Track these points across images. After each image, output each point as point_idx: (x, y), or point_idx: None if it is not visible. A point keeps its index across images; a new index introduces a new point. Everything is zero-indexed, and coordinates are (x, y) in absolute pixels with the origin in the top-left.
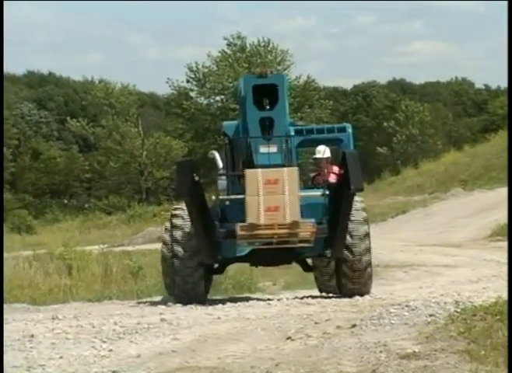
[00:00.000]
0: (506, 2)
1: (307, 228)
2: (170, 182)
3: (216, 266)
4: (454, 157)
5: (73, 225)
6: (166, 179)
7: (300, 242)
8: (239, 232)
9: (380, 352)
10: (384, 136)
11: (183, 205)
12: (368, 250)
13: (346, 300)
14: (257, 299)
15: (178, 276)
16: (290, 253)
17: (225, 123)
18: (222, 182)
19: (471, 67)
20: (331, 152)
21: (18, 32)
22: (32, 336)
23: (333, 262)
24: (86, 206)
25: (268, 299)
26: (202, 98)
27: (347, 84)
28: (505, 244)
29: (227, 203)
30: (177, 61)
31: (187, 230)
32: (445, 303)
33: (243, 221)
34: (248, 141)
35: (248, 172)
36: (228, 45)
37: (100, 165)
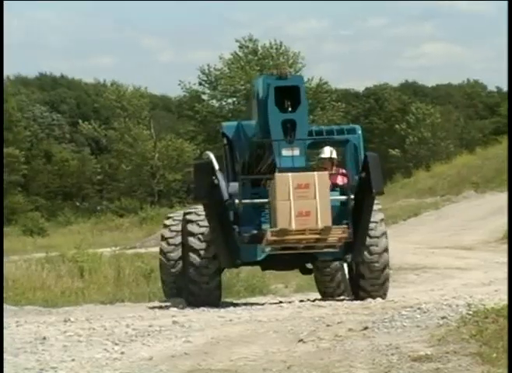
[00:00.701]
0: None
1: (339, 234)
2: (182, 184)
3: None
4: (465, 159)
5: (85, 228)
6: (178, 182)
7: (327, 246)
8: (269, 238)
9: (392, 354)
10: (396, 138)
11: (197, 209)
12: (386, 250)
13: (358, 302)
14: (270, 302)
15: (194, 285)
16: (308, 257)
17: (224, 123)
18: (234, 185)
19: (483, 70)
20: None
21: (31, 34)
22: (44, 338)
23: (334, 263)
24: (98, 208)
25: (280, 302)
26: (214, 100)
27: (359, 86)
28: None
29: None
30: (189, 63)
31: (203, 237)
32: (457, 305)
33: (260, 224)
34: (271, 143)
35: (278, 176)
36: (240, 47)
37: (112, 167)
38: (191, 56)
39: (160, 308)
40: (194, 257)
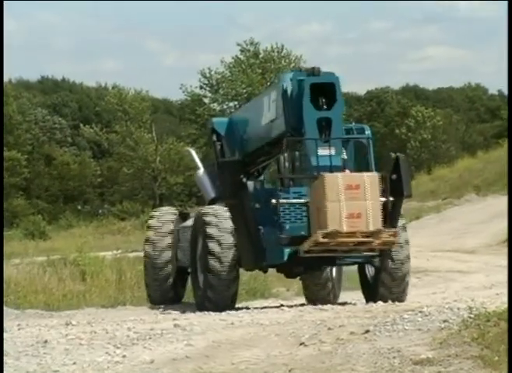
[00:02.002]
0: None
1: (390, 237)
2: (184, 187)
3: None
4: (467, 163)
5: (87, 231)
6: (180, 185)
7: (369, 250)
8: (320, 239)
9: (394, 358)
10: (397, 142)
11: (215, 210)
12: (408, 258)
13: (360, 306)
14: (271, 305)
15: (213, 290)
16: (328, 260)
17: (214, 119)
18: (250, 184)
19: (485, 73)
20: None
21: (33, 37)
22: (45, 341)
23: (326, 272)
24: (100, 212)
25: (282, 305)
26: (216, 104)
27: (362, 90)
28: None
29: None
30: (192, 67)
31: (225, 241)
32: (458, 309)
33: (294, 225)
34: (305, 142)
35: (327, 176)
36: (241, 51)
37: (113, 170)
38: (195, 59)
39: (161, 311)
40: (213, 263)
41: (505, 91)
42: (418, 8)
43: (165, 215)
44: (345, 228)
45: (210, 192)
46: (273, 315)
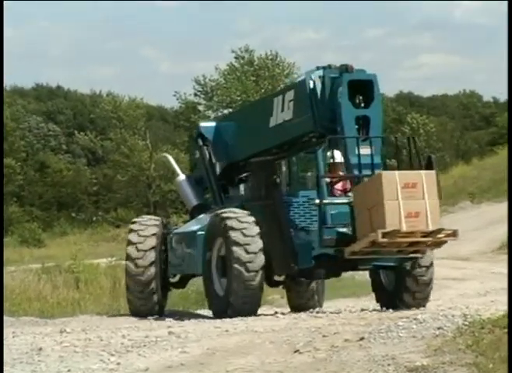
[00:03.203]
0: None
1: (447, 236)
2: (178, 195)
3: (176, 279)
4: (462, 170)
5: (81, 238)
6: (174, 192)
7: (419, 251)
8: (380, 239)
9: (389, 365)
10: (392, 149)
11: (237, 214)
12: (432, 263)
13: (354, 313)
14: (266, 312)
15: (237, 297)
16: (351, 264)
17: (202, 124)
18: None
19: (480, 81)
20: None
21: (28, 44)
22: (40, 349)
23: (312, 284)
24: (94, 219)
25: (276, 312)
26: (210, 111)
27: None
28: None
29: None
30: (187, 74)
31: (251, 247)
32: (453, 316)
33: (337, 226)
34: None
35: (384, 174)
36: (236, 58)
37: (107, 178)
38: (190, 67)
39: (156, 318)
40: (240, 270)
41: (499, 98)
42: (413, 16)
43: (148, 220)
44: (404, 228)
45: (192, 199)
46: (268, 323)
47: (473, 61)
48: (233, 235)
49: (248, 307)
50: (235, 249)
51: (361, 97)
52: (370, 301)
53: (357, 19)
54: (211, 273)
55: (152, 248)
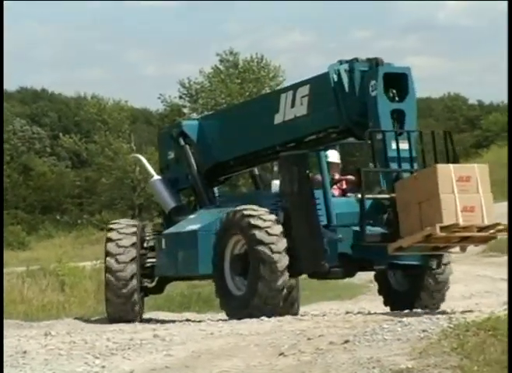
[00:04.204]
0: (500, 18)
1: (500, 231)
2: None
3: (153, 284)
4: None
5: (66, 241)
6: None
7: (461, 246)
8: (439, 233)
9: (374, 368)
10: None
11: (259, 213)
12: (449, 261)
13: (339, 316)
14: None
15: (262, 299)
16: (370, 264)
17: (185, 122)
18: (276, 183)
19: (465, 83)
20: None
21: (13, 47)
22: (25, 352)
23: (293, 293)
24: (79, 222)
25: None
26: (195, 114)
27: None
28: (498, 259)
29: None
30: (172, 77)
31: (276, 246)
32: (438, 319)
33: (378, 221)
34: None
35: (440, 167)
36: (221, 61)
37: (91, 181)
38: (175, 69)
39: (141, 321)
40: (265, 270)
41: (485, 100)
42: (399, 18)
43: (126, 227)
44: (461, 222)
45: (170, 201)
46: (253, 326)
47: (458, 63)
48: (258, 233)
49: (270, 308)
50: (260, 248)
51: (394, 91)
52: (355, 304)
53: (343, 22)
54: (223, 273)
55: (133, 259)
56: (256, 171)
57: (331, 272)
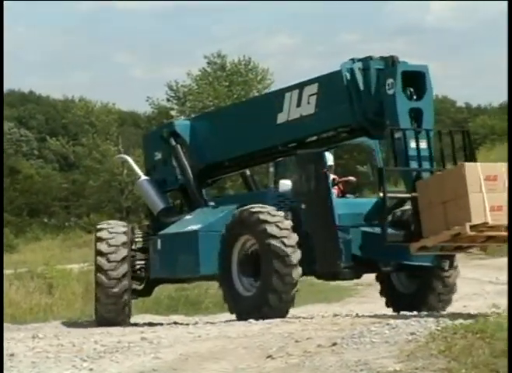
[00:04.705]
0: (487, 20)
1: None
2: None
3: (142, 287)
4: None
5: (54, 244)
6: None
7: (480, 247)
8: (469, 232)
9: (361, 370)
10: (364, 154)
11: (269, 210)
12: (457, 264)
13: (327, 318)
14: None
15: (276, 295)
16: (376, 266)
17: (176, 122)
18: (286, 183)
19: (453, 86)
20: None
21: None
22: (12, 355)
23: None
24: (66, 224)
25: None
26: (182, 116)
27: None
28: (486, 262)
29: None
30: (160, 79)
31: (288, 241)
32: (426, 321)
33: (400, 221)
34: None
35: (467, 165)
36: (208, 64)
37: (78, 183)
38: (163, 72)
39: (129, 324)
40: (278, 264)
41: (472, 103)
42: (387, 21)
43: (115, 226)
44: (490, 221)
45: (159, 202)
46: (240, 328)
47: (445, 66)
48: (269, 228)
49: (284, 305)
50: (272, 242)
51: (412, 89)
52: (343, 307)
53: (331, 25)
54: (230, 274)
55: (124, 258)
56: (247, 172)
57: (342, 273)
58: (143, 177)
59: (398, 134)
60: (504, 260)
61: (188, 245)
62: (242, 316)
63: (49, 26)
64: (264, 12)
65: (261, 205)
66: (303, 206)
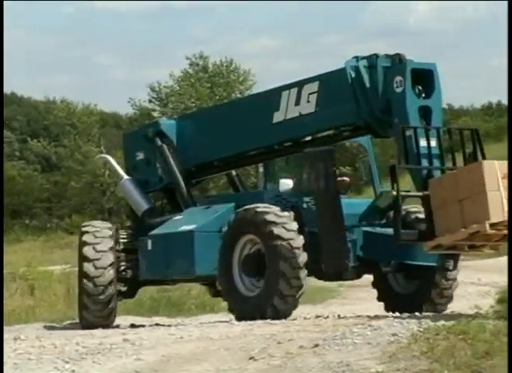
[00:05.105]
0: (468, 22)
1: None
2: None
3: (126, 288)
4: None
5: (35, 245)
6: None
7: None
8: (489, 230)
9: (343, 372)
10: (347, 156)
11: (275, 211)
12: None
13: (309, 320)
14: (221, 319)
15: (281, 298)
16: (377, 266)
17: (162, 121)
18: (288, 183)
19: None
20: None
21: None
22: None
23: None
24: (48, 226)
25: (232, 319)
26: (164, 117)
27: None
28: (469, 263)
29: None
30: (144, 81)
31: (295, 242)
32: (408, 323)
33: (412, 219)
34: (407, 132)
35: (486, 163)
36: (190, 65)
37: (60, 185)
38: (145, 73)
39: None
40: (285, 266)
41: (454, 105)
42: (368, 23)
43: (101, 229)
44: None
45: (142, 202)
46: (223, 330)
47: None
48: (276, 229)
49: (288, 307)
50: (279, 244)
51: (420, 87)
52: (325, 308)
53: (313, 26)
54: (231, 274)
55: (111, 264)
56: (233, 172)
57: (346, 273)
58: (126, 177)
59: (408, 132)
60: (486, 262)
61: (183, 245)
62: (243, 316)
63: (31, 27)
64: (247, 13)
65: (265, 205)
66: (305, 205)
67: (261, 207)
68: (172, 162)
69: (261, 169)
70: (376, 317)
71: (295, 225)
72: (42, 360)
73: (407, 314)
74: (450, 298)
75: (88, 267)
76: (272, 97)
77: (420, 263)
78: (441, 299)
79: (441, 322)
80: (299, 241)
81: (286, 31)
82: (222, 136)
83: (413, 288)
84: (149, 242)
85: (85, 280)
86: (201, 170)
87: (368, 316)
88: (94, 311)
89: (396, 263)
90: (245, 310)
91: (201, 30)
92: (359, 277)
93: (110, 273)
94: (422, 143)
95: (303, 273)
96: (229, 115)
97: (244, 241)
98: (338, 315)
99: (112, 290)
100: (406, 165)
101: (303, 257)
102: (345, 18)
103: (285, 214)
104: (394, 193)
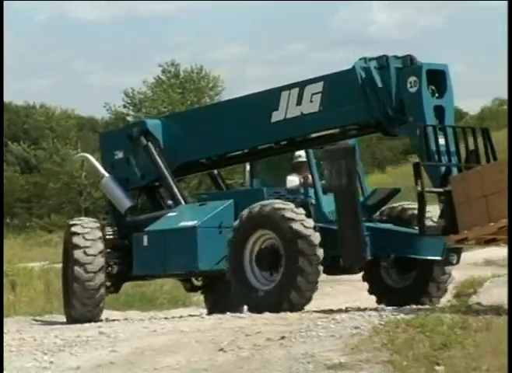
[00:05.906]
0: (430, 32)
1: None
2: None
3: (109, 284)
4: (378, 178)
5: (16, 243)
6: (104, 199)
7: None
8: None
9: (308, 363)
10: None
11: (291, 207)
12: None
13: (276, 314)
14: (192, 313)
15: (299, 293)
16: (379, 259)
17: (149, 120)
18: (294, 180)
19: None
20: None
21: None
22: None
23: None
24: (28, 225)
25: (202, 313)
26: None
27: None
28: None
29: None
30: (119, 86)
31: (313, 239)
32: (369, 316)
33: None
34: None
35: (505, 161)
36: (163, 72)
37: (39, 186)
38: (121, 79)
39: (100, 320)
40: (304, 263)
41: None
42: (333, 31)
43: (88, 222)
44: None
45: (125, 200)
46: (194, 323)
47: None
48: (295, 226)
49: (304, 301)
50: (299, 240)
51: (433, 87)
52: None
53: (280, 34)
54: (243, 269)
55: (101, 252)
56: (215, 171)
57: (360, 267)
58: (107, 175)
59: (427, 131)
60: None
61: (185, 241)
62: (257, 310)
63: (9, 34)
64: (217, 21)
65: (282, 201)
66: (313, 201)
67: (278, 203)
68: (159, 159)
69: (247, 168)
70: (340, 311)
71: (311, 222)
72: (22, 352)
73: (370, 307)
74: (445, 291)
75: (78, 254)
76: (271, 97)
77: (424, 257)
78: (438, 292)
79: (401, 316)
80: (316, 237)
81: (253, 39)
82: (215, 134)
83: (407, 283)
84: (145, 238)
85: (75, 267)
86: (187, 169)
87: (332, 310)
88: (83, 298)
89: (394, 258)
90: (260, 304)
91: (173, 38)
92: (360, 271)
93: (100, 261)
94: (441, 141)
95: (320, 268)
96: (222, 114)
97: (257, 236)
98: (304, 309)
99: (101, 277)
100: (428, 162)
101: (320, 253)
102: (311, 27)
103: (301, 211)
104: (419, 189)
